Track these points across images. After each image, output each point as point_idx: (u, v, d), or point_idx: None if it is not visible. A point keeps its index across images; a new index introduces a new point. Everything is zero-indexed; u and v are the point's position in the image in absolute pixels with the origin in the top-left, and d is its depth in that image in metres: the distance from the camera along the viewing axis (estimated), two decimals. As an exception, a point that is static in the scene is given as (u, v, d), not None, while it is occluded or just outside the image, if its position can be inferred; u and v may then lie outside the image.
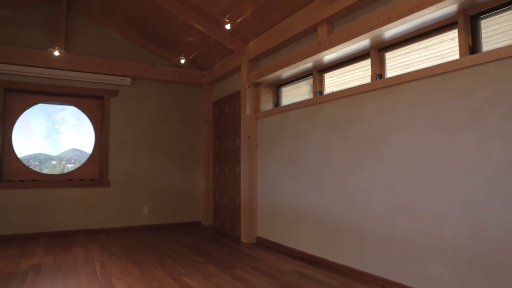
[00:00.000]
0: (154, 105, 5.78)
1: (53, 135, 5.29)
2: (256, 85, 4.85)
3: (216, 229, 5.66)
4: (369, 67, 3.39)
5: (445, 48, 2.78)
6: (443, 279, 2.51)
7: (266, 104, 4.83)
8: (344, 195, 3.38)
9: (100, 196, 5.30)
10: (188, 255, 3.99)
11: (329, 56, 3.64)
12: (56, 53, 4.88)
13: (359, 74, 3.53)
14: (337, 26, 3.58)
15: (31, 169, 5.04)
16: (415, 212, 2.72)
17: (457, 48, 2.67)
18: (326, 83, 4.01)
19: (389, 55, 3.25)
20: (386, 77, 3.11)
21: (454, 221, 2.45)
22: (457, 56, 2.67)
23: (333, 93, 3.58)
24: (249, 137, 4.79)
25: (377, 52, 3.31)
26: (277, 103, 4.82)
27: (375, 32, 2.99)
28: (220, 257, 3.90)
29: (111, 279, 3.11)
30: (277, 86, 4.85)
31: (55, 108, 5.31)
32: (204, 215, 5.99)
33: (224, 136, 5.68)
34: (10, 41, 4.90)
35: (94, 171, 5.40)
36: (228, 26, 4.39)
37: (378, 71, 3.29)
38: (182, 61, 5.47)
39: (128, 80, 5.49)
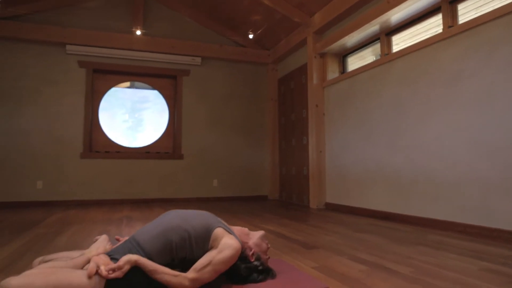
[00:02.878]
0: (222, 83, 6.09)
1: (136, 114, 5.77)
2: (322, 55, 4.96)
3: (283, 201, 5.82)
4: (440, 21, 3.37)
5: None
6: (530, 214, 2.45)
7: (332, 73, 4.91)
8: (417, 147, 3.38)
9: (174, 168, 5.68)
10: (262, 214, 4.18)
11: (397, 15, 3.67)
12: (138, 32, 5.35)
13: (427, 34, 3.51)
14: (408, -19, 3.59)
15: (114, 142, 5.53)
16: (496, 152, 2.68)
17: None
18: (393, 47, 4.02)
19: (461, 6, 3.21)
20: (459, 23, 3.08)
21: (542, 153, 2.40)
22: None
23: (403, 50, 3.59)
24: (317, 106, 4.90)
25: (449, 5, 3.29)
26: (342, 72, 4.88)
27: (449, -23, 2.99)
28: (293, 215, 4.05)
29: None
30: (343, 56, 4.92)
31: (136, 94, 5.79)
32: (270, 189, 6.17)
33: (290, 110, 5.84)
34: (97, 27, 5.44)
35: (168, 145, 5.80)
36: (295, -3, 4.55)
37: (450, 24, 3.26)
38: (251, 36, 5.72)
39: (199, 60, 5.85)
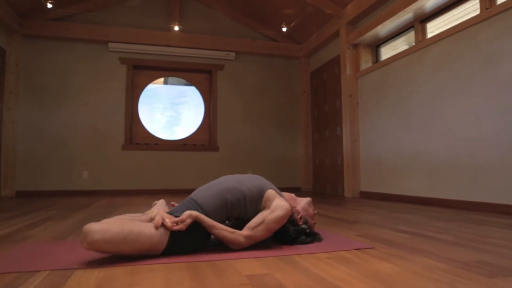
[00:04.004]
0: (256, 77, 6.23)
1: (174, 108, 5.99)
2: (355, 46, 5.00)
3: (317, 192, 5.88)
4: (476, 6, 3.36)
5: None
6: None
7: (366, 64, 4.95)
8: (456, 131, 3.38)
9: (210, 159, 5.86)
10: (297, 200, 4.27)
11: (432, 0, 3.68)
12: (176, 28, 5.58)
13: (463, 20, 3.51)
14: (443, -34, 3.60)
15: (153, 135, 5.77)
16: (539, 130, 2.67)
17: None
18: (428, 35, 4.01)
19: (501, -14, 3.20)
20: (497, 4, 3.07)
21: None
22: None
23: (438, 35, 3.60)
24: (350, 96, 4.94)
25: (487, -14, 3.28)
26: (376, 61, 4.91)
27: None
28: (329, 201, 4.12)
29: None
30: (376, 46, 4.94)
31: (174, 91, 6.01)
32: (304, 180, 6.25)
33: (323, 102, 5.90)
34: (137, 25, 5.70)
35: (204, 137, 5.99)
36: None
37: (487, 6, 3.25)
38: (284, 29, 5.82)
39: (233, 54, 6.01)
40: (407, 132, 4.01)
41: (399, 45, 4.53)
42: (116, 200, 4.32)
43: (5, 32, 5.06)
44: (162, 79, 6.01)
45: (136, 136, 5.71)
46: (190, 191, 5.69)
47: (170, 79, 6.07)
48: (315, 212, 1.88)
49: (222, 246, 1.68)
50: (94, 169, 5.41)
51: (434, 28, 3.96)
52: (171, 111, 5.99)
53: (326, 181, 5.72)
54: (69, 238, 1.94)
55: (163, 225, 1.46)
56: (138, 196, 4.99)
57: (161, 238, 1.44)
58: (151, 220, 1.59)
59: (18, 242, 1.82)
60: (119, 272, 1.29)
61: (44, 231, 2.17)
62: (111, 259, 1.45)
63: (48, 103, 5.33)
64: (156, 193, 5.53)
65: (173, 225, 1.46)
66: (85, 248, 1.32)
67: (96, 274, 1.26)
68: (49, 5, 4.78)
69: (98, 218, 2.75)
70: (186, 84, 6.10)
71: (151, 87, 5.89)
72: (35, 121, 5.26)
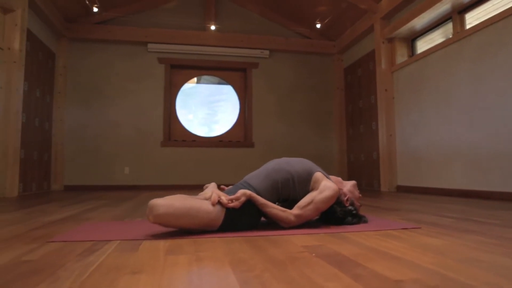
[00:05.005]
0: (289, 74, 6.30)
1: (212, 107, 6.16)
2: (390, 40, 4.98)
3: (352, 188, 5.87)
4: (522, -11, 3.29)
5: None
6: None
7: (401, 57, 4.91)
8: (499, 122, 3.33)
9: (246, 155, 5.98)
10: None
11: (473, -10, 3.63)
12: (213, 27, 5.74)
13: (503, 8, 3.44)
14: (483, -44, 3.55)
15: (190, 132, 5.95)
16: None
17: None
18: (466, 26, 3.95)
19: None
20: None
21: None
22: None
23: (478, 25, 3.55)
24: (386, 90, 4.93)
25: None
26: (411, 55, 4.87)
27: None
28: (366, 195, 4.13)
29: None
30: (411, 40, 4.90)
31: (212, 92, 6.18)
32: (339, 176, 6.23)
33: (357, 97, 5.90)
34: (174, 26, 5.90)
35: (240, 134, 6.12)
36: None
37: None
38: (318, 25, 5.86)
39: (267, 52, 6.11)
40: (447, 124, 3.96)
41: (436, 38, 4.48)
42: (157, 194, 4.50)
43: (55, 37, 5.37)
44: (195, 79, 6.18)
45: (174, 133, 5.91)
46: (226, 186, 5.81)
47: (202, 78, 6.23)
48: (360, 195, 1.94)
49: (272, 225, 1.77)
50: (135, 165, 5.64)
51: (472, 19, 3.90)
52: (207, 109, 6.16)
53: (361, 176, 5.71)
54: (126, 220, 2.08)
55: (219, 202, 1.56)
56: (176, 191, 5.17)
57: (217, 214, 1.54)
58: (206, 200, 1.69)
59: (82, 221, 1.98)
60: (183, 242, 1.40)
61: (101, 214, 2.34)
62: (172, 233, 1.57)
63: (93, 102, 5.61)
64: (193, 188, 5.70)
65: (228, 202, 1.56)
66: (150, 221, 1.44)
67: (163, 243, 1.38)
68: (95, 9, 5.04)
69: (145, 207, 2.90)
70: (219, 83, 6.24)
71: (187, 86, 6.07)
72: (81, 119, 5.55)
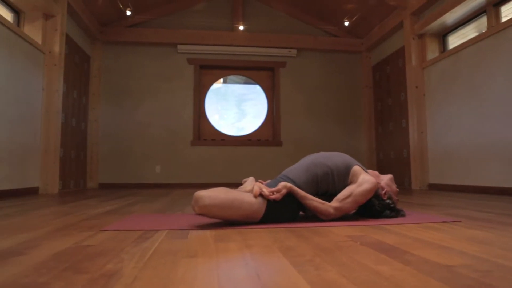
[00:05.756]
0: (317, 73, 6.30)
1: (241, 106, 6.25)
2: (421, 36, 4.91)
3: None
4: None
5: None
6: None
7: (432, 53, 4.84)
8: (536, 116, 3.24)
9: (274, 154, 6.02)
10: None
11: (509, -17, 3.55)
12: (241, 27, 5.81)
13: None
14: None
15: (219, 131, 6.05)
16: None
17: None
18: (502, 19, 3.86)
19: None
20: None
21: None
22: None
23: (516, 18, 3.47)
24: (416, 87, 4.87)
25: None
26: (443, 51, 4.79)
27: None
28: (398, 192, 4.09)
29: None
30: (443, 35, 4.82)
31: (239, 93, 6.26)
32: (367, 175, 6.20)
33: (386, 95, 5.84)
34: (202, 27, 6.01)
35: (268, 133, 6.17)
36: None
37: None
38: (346, 23, 5.83)
39: (294, 51, 6.13)
40: (482, 121, 3.88)
41: (468, 33, 4.40)
42: (189, 191, 4.61)
43: (89, 40, 5.57)
44: (221, 79, 6.26)
45: (204, 133, 6.02)
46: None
47: (229, 78, 6.31)
48: (398, 189, 1.95)
49: (311, 218, 1.81)
50: (166, 163, 5.78)
51: (508, 11, 3.81)
52: (236, 108, 6.24)
53: (391, 173, 5.64)
54: (167, 213, 2.16)
55: (261, 195, 1.61)
56: (207, 189, 5.27)
57: (259, 206, 1.60)
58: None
59: (126, 214, 2.07)
60: (228, 232, 1.46)
61: (142, 208, 2.43)
62: (216, 224, 1.63)
63: (125, 103, 5.78)
64: (223, 186, 5.78)
65: (270, 194, 1.61)
66: (196, 212, 1.51)
67: (209, 233, 1.44)
68: (128, 12, 5.20)
69: (181, 202, 2.98)
70: (245, 82, 6.31)
71: (215, 86, 6.17)
72: (114, 119, 5.73)
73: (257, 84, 6.30)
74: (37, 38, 4.03)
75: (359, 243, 1.21)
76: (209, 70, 6.13)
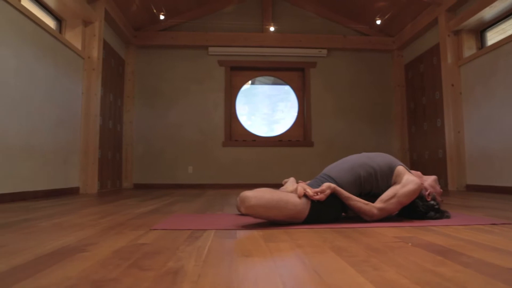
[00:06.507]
0: (347, 72, 6.24)
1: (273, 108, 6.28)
2: (457, 33, 4.79)
3: (415, 187, 5.70)
4: None
5: None
6: None
7: (469, 50, 4.71)
8: None
9: (305, 154, 6.01)
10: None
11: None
12: (272, 28, 5.84)
13: None
14: None
15: (250, 132, 6.09)
16: None
17: None
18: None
19: None
20: None
21: None
22: None
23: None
24: (452, 85, 4.74)
25: None
26: (481, 47, 4.65)
27: None
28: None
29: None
30: (480, 31, 4.68)
31: (271, 94, 6.29)
32: (400, 176, 6.09)
33: (420, 94, 5.72)
34: (233, 29, 6.07)
35: (299, 133, 6.16)
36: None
37: None
38: (378, 21, 5.75)
39: (324, 51, 6.10)
40: (523, 119, 3.74)
41: (508, 28, 4.25)
42: (223, 192, 4.67)
43: (124, 45, 5.75)
44: (249, 80, 6.29)
45: (235, 133, 6.08)
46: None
47: (257, 79, 6.33)
48: (441, 190, 1.91)
49: (354, 218, 1.80)
50: (198, 164, 5.88)
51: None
52: (266, 109, 6.26)
53: (425, 174, 5.51)
54: (207, 213, 2.20)
55: (305, 195, 1.63)
56: (239, 189, 5.32)
57: (304, 206, 1.61)
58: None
59: (167, 214, 2.12)
60: (275, 232, 1.48)
61: (182, 208, 2.49)
62: (261, 224, 1.66)
63: (159, 105, 5.92)
64: (255, 187, 5.82)
65: (314, 195, 1.61)
66: (242, 212, 1.54)
67: (257, 233, 1.46)
68: (162, 17, 5.33)
69: (218, 202, 3.03)
70: (273, 83, 6.32)
71: (244, 87, 6.22)
72: (147, 121, 5.88)
73: (287, 85, 6.30)
74: (77, 44, 4.19)
75: (410, 244, 1.20)
76: (240, 71, 6.19)
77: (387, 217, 1.76)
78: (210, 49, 5.97)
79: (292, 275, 0.86)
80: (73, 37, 4.20)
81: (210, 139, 5.93)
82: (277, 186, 5.71)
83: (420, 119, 5.72)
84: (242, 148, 5.95)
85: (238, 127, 6.10)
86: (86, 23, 4.31)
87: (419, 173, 1.90)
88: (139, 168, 5.82)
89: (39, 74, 3.36)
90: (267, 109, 6.28)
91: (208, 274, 0.87)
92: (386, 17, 5.69)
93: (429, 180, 1.87)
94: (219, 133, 5.95)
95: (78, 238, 1.34)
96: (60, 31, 4.17)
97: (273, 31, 6.06)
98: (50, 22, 3.94)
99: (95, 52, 4.30)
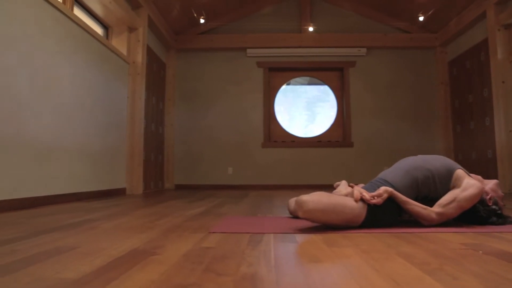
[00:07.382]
0: (388, 71, 6.11)
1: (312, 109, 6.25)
2: (507, 27, 4.57)
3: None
4: None
5: None
6: None
7: (521, 45, 4.49)
8: None
9: (345, 155, 5.93)
10: (446, 194, 4.08)
11: None
12: (311, 29, 5.82)
13: None
14: None
15: (289, 133, 6.09)
16: None
17: None
18: None
19: None
20: None
21: None
22: None
23: None
24: (503, 82, 4.54)
25: None
26: (535, 42, 4.42)
27: None
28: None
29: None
30: (534, 25, 4.45)
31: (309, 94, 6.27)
32: (444, 177, 5.89)
33: (466, 91, 5.51)
34: (271, 30, 6.09)
35: (338, 134, 6.09)
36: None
37: None
38: (421, 18, 5.59)
39: (364, 50, 6.00)
40: None
41: None
42: (265, 193, 4.69)
43: (165, 48, 5.90)
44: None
45: (274, 134, 6.10)
46: (326, 186, 5.84)
47: (292, 80, 6.30)
48: (503, 194, 1.84)
49: (411, 223, 1.77)
50: (238, 165, 5.94)
51: None
52: (306, 109, 6.24)
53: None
54: (259, 215, 2.22)
55: (361, 199, 1.61)
56: (279, 190, 5.33)
57: (360, 211, 1.59)
58: (342, 197, 1.75)
59: (219, 215, 2.16)
60: (334, 236, 1.47)
61: (230, 210, 2.53)
62: (318, 228, 1.65)
63: (198, 107, 6.03)
64: (294, 189, 5.81)
65: (371, 199, 1.60)
66: (300, 216, 1.54)
67: (315, 237, 1.46)
68: (202, 20, 5.43)
69: (264, 204, 3.05)
70: (309, 83, 6.27)
71: (284, 88, 6.22)
72: (188, 123, 6.01)
73: (325, 85, 6.25)
74: (123, 50, 4.34)
75: (481, 252, 1.17)
76: (278, 72, 6.20)
77: (445, 222, 1.71)
78: (249, 50, 6.01)
79: (369, 283, 0.86)
80: (119, 43, 4.36)
81: (249, 140, 5.98)
82: (317, 187, 5.68)
83: (466, 117, 5.51)
84: (281, 149, 5.96)
85: (277, 128, 6.11)
86: (131, 29, 4.46)
87: (479, 177, 1.83)
88: (179, 169, 5.95)
89: (90, 80, 3.52)
90: (304, 109, 6.25)
91: (285, 281, 0.88)
92: (430, 13, 5.52)
93: (490, 184, 1.80)
94: (258, 134, 5.98)
95: (144, 241, 1.39)
96: (107, 38, 4.33)
97: (311, 31, 6.02)
98: (98, 30, 4.10)
99: (140, 57, 4.44)
